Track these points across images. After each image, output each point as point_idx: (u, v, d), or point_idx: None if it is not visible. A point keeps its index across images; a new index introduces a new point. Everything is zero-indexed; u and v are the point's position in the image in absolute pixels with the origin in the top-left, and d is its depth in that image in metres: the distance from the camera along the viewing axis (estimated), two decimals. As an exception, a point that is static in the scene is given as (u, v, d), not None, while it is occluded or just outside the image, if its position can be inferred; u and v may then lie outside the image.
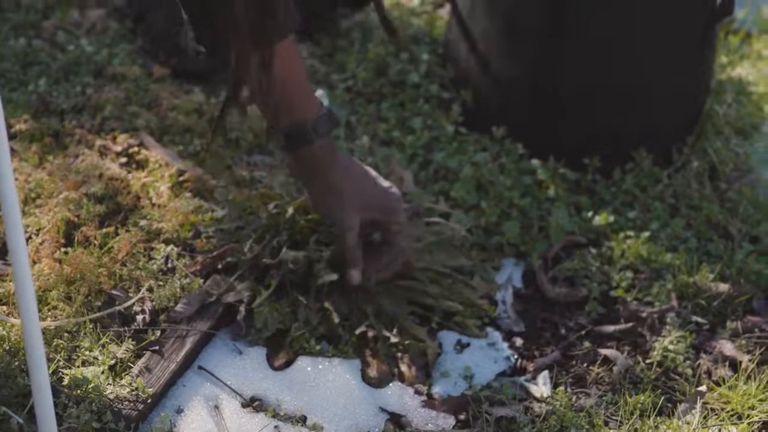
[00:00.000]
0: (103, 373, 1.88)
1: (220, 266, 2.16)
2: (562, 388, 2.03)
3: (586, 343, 2.15)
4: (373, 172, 2.07)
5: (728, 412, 1.99)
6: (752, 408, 1.98)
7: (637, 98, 2.51)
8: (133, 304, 2.04)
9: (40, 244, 2.14)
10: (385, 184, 2.06)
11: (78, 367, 1.89)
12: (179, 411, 1.90)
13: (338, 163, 2.00)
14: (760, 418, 1.95)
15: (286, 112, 1.94)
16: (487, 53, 2.57)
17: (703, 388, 2.04)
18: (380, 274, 2.10)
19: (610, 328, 2.19)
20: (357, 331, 2.06)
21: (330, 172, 1.98)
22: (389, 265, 2.10)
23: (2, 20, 3.00)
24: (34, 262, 2.09)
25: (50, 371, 1.85)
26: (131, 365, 1.93)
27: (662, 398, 2.02)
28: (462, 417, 1.97)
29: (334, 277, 2.09)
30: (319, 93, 1.94)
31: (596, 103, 2.50)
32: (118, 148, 2.44)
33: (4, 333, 1.90)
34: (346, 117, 2.65)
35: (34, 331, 1.48)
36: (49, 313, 2.00)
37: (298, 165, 2.03)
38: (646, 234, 2.35)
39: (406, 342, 2.07)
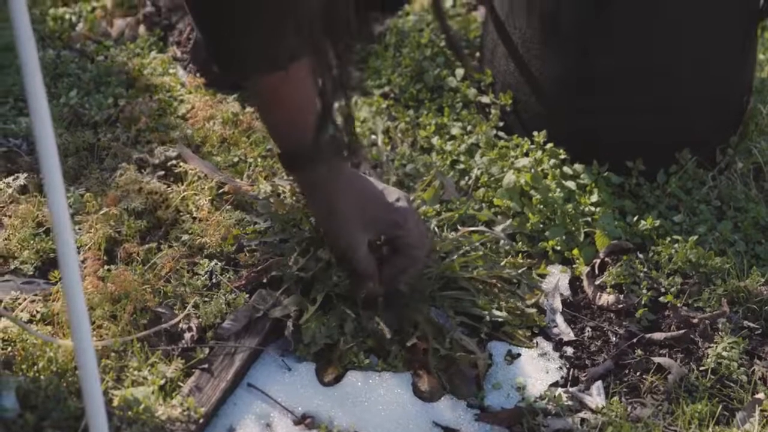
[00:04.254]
0: (153, 393, 1.85)
1: (265, 280, 2.13)
2: (616, 398, 2.00)
3: (638, 351, 2.12)
4: (377, 187, 2.03)
5: (787, 420, 1.95)
6: (813, 416, 1.95)
7: (680, 100, 2.48)
8: (180, 321, 2.01)
9: (83, 262, 2.11)
10: (392, 198, 2.03)
11: (127, 387, 1.86)
12: (231, 430, 1.87)
13: (339, 184, 1.95)
14: (821, 427, 1.92)
15: (291, 132, 1.90)
16: (526, 56, 2.53)
17: (760, 395, 2.01)
18: (394, 282, 2.06)
19: (662, 336, 2.15)
20: (408, 344, 2.02)
21: (331, 194, 1.95)
22: (402, 274, 2.06)
23: (29, 31, 2.96)
24: (78, 281, 2.06)
25: (100, 393, 1.83)
26: (181, 384, 1.90)
27: (719, 407, 1.99)
28: (517, 430, 1.94)
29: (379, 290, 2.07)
30: None
31: (639, 106, 2.46)
32: (156, 161, 2.41)
33: (52, 354, 1.87)
34: (384, 124, 2.62)
35: (87, 351, 1.45)
36: (95, 333, 1.97)
37: (300, 185, 2.02)
38: (694, 238, 2.31)
39: (457, 354, 2.04)
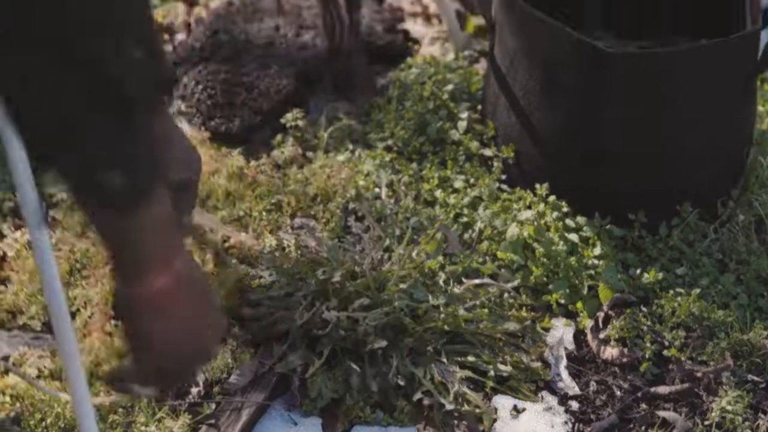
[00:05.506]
0: (160, 449, 1.86)
1: (271, 335, 2.14)
2: (622, 452, 2.01)
3: (643, 406, 2.13)
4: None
5: (793, 474, 1.96)
6: (818, 471, 1.95)
7: (681, 153, 2.49)
8: (186, 376, 2.02)
9: (89, 317, 2.12)
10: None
11: (135, 443, 1.86)
12: (238, 486, 1.88)
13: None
14: (827, 482, 1.93)
15: None
16: (527, 109, 2.55)
17: (765, 450, 2.02)
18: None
19: (666, 390, 2.16)
20: (414, 398, 2.03)
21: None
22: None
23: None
24: (84, 336, 2.08)
25: (108, 449, 1.84)
26: (188, 440, 1.91)
27: (725, 461, 2.00)
28: (523, 485, 1.95)
29: (383, 343, 2.07)
30: None
31: (640, 159, 2.48)
32: (161, 215, 2.42)
33: (59, 410, 1.88)
34: (388, 177, 2.63)
35: (84, 406, 1.45)
36: (103, 388, 1.98)
37: None
38: (697, 291, 2.32)
39: (462, 408, 2.05)
